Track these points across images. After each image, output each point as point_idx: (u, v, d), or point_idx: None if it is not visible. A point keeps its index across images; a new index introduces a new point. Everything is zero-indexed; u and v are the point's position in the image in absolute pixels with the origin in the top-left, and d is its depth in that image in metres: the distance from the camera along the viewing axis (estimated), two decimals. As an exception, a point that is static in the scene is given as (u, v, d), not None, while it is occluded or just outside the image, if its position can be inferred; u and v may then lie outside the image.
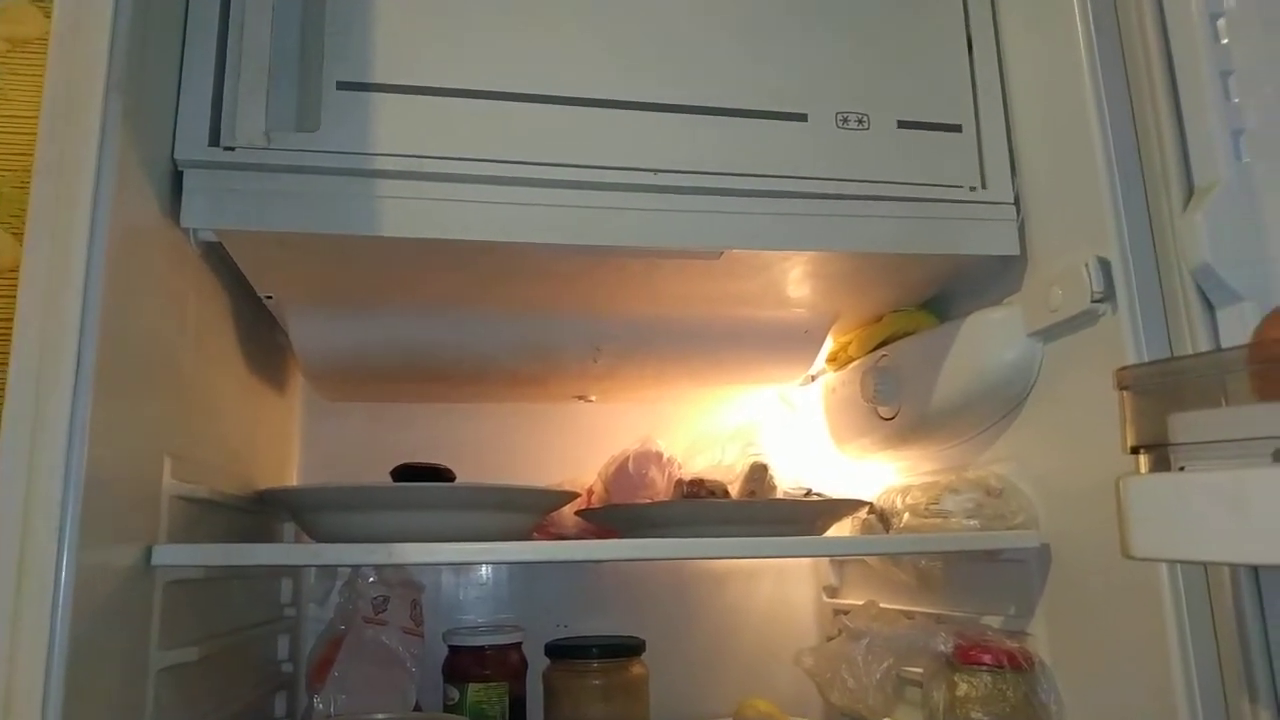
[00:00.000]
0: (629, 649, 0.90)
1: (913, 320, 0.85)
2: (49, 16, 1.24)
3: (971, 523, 0.71)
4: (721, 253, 0.68)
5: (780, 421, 1.06)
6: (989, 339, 0.73)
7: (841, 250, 0.70)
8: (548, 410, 1.07)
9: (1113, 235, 0.62)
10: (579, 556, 0.62)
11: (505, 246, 0.65)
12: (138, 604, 0.56)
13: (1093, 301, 0.62)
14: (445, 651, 0.90)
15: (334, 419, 1.04)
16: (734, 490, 0.88)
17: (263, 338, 0.86)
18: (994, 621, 0.74)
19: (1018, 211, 0.73)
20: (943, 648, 0.70)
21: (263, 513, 0.82)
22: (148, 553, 0.56)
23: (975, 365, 0.74)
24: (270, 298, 0.75)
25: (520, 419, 1.07)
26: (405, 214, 0.62)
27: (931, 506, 0.74)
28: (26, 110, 1.08)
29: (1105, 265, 0.62)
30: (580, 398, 1.02)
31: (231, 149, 0.60)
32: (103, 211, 0.49)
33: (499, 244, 0.64)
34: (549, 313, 0.82)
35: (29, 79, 1.09)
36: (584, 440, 1.05)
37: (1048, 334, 0.69)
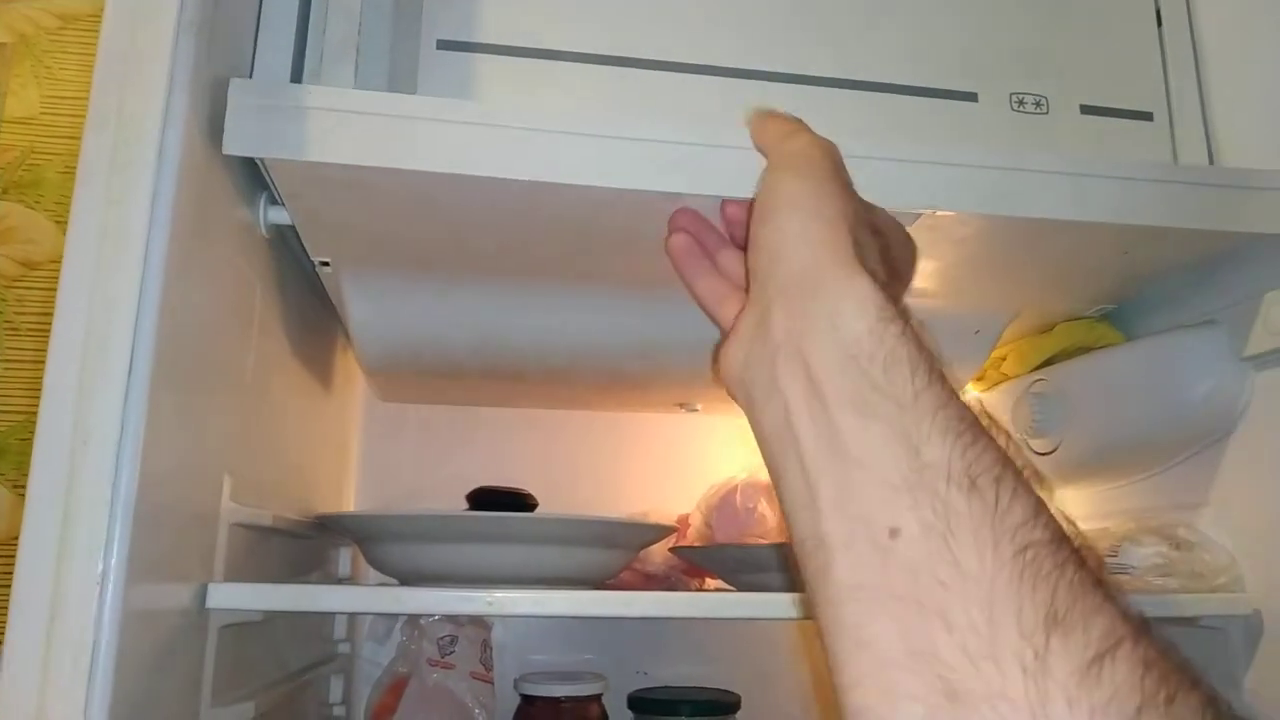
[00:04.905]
0: (723, 707, 0.78)
1: (1093, 332, 0.71)
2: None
3: (1162, 581, 0.60)
4: (919, 215, 0.54)
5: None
6: (1188, 362, 0.61)
7: (1072, 218, 0.53)
8: (635, 420, 0.95)
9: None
10: (707, 613, 0.51)
11: (623, 201, 0.50)
12: (189, 653, 0.46)
13: (1335, 321, 0.52)
14: (516, 700, 0.80)
15: (391, 428, 0.94)
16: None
17: (324, 336, 0.76)
18: (1179, 698, 0.63)
19: (1221, 213, 0.62)
20: (1127, 730, 0.58)
21: (316, 537, 0.72)
22: (202, 592, 0.46)
23: (1169, 393, 0.62)
24: (326, 264, 0.61)
25: (602, 429, 0.95)
26: (509, 152, 0.47)
27: (1109, 560, 0.62)
28: (75, 91, 1.00)
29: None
30: (683, 405, 0.88)
31: (315, 113, 0.50)
32: (169, 167, 0.40)
33: (615, 199, 0.50)
34: (660, 296, 0.69)
35: (78, 57, 1.01)
36: (676, 457, 0.93)
37: (1264, 360, 0.58)
